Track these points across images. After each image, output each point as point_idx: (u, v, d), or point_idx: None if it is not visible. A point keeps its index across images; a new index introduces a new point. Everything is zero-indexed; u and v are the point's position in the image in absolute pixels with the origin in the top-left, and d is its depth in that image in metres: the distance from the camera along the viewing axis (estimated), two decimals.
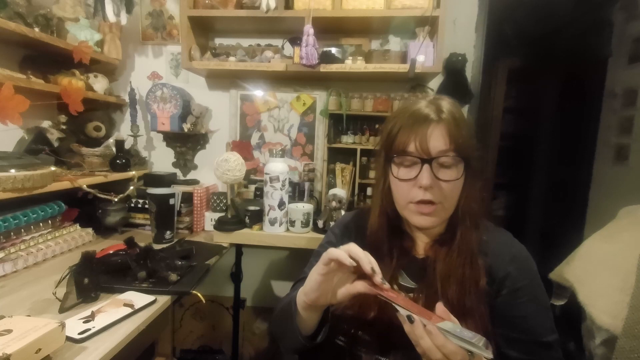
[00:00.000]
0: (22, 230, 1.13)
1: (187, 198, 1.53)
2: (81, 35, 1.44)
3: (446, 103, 0.69)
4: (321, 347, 0.71)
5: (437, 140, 0.66)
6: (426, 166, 0.66)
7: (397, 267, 0.73)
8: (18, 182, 1.02)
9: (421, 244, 0.76)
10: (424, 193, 0.67)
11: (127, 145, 1.62)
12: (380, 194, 0.76)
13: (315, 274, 0.61)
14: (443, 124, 0.66)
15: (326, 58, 1.40)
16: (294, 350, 0.73)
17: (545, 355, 0.67)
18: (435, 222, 0.70)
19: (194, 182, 1.65)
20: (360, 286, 0.59)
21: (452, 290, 0.66)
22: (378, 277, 0.57)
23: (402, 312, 0.55)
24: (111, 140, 1.54)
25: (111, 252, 1.09)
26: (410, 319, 0.54)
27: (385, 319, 0.69)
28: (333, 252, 0.58)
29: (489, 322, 0.66)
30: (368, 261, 0.58)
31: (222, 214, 1.41)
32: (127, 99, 1.65)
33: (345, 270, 0.60)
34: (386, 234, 0.75)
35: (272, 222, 1.32)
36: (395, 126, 0.70)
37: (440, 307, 0.55)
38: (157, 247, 1.21)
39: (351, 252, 0.58)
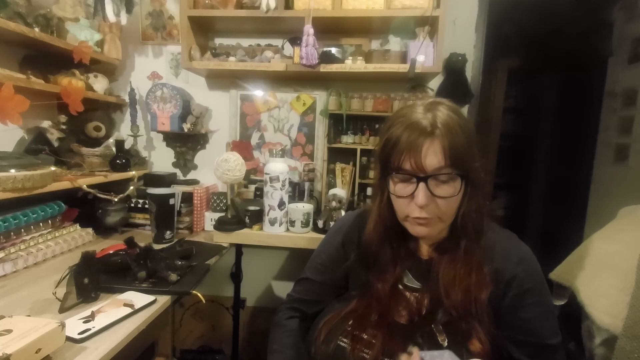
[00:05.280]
0: (22, 230, 1.13)
1: (187, 198, 1.53)
2: (81, 35, 1.44)
3: (442, 112, 0.65)
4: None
5: (432, 157, 0.63)
6: (422, 185, 0.64)
7: (400, 268, 0.74)
8: (18, 182, 1.02)
9: (425, 246, 0.76)
10: (419, 211, 0.66)
11: (127, 146, 1.62)
12: (378, 208, 0.75)
13: None
14: (437, 140, 0.63)
15: (326, 58, 1.40)
16: None
17: (549, 358, 0.67)
18: (432, 233, 0.70)
19: (194, 182, 1.65)
20: None
21: (457, 296, 0.66)
22: None
23: None
24: (111, 141, 1.54)
25: (111, 252, 1.09)
26: None
27: (388, 321, 0.69)
28: None
29: (494, 326, 0.66)
30: None
31: (222, 214, 1.41)
32: (127, 98, 1.65)
33: None
34: (383, 244, 0.75)
35: (272, 222, 1.32)
36: (392, 139, 0.66)
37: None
38: (157, 247, 1.21)
39: None
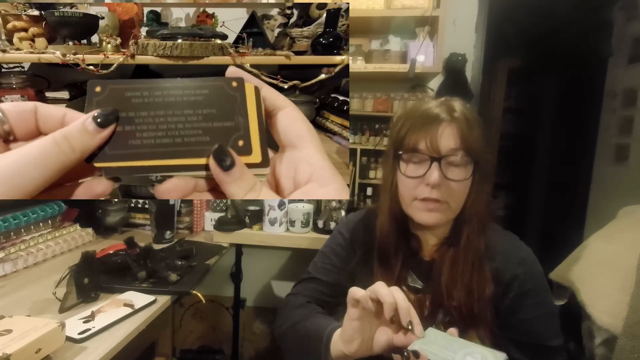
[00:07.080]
0: (22, 230, 1.13)
1: None
2: None
3: (458, 104, 0.69)
4: None
5: (448, 139, 0.65)
6: (435, 164, 0.65)
7: (404, 268, 0.73)
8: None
9: (427, 246, 0.75)
10: (430, 191, 0.65)
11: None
12: (389, 193, 0.74)
13: (349, 320, 0.56)
14: (455, 124, 0.66)
15: None
16: None
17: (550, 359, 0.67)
18: (440, 220, 0.69)
19: None
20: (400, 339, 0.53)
21: (459, 295, 0.66)
22: (416, 330, 0.50)
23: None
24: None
25: (111, 252, 1.09)
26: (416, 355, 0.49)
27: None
28: (356, 292, 0.54)
29: (495, 327, 0.66)
30: (392, 306, 0.51)
31: (222, 214, 1.41)
32: None
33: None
34: (395, 234, 0.74)
35: (272, 222, 1.32)
36: (405, 125, 0.69)
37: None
38: (157, 247, 1.21)
39: (377, 292, 0.52)
